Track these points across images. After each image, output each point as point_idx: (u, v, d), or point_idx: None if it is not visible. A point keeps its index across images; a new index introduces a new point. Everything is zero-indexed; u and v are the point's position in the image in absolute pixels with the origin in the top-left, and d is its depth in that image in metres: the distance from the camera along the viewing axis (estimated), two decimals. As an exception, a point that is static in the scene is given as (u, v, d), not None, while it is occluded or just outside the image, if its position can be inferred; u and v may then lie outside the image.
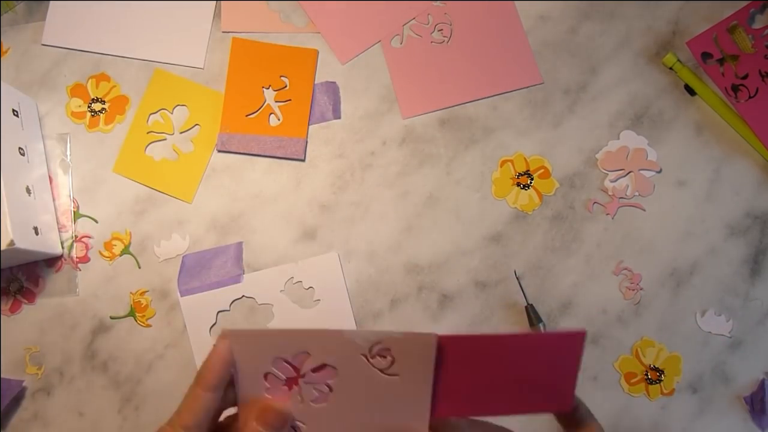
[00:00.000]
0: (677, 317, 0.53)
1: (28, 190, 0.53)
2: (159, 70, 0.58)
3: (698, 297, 0.53)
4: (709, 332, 0.53)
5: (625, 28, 0.57)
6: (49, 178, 0.57)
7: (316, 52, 0.58)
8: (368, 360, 0.43)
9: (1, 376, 0.54)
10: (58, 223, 0.56)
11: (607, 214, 0.55)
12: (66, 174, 0.57)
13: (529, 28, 0.58)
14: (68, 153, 0.57)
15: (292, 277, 0.54)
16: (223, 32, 0.59)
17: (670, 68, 0.56)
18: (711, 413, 0.51)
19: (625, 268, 0.54)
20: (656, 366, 0.52)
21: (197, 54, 0.59)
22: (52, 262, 0.56)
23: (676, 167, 0.55)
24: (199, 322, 0.53)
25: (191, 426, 0.36)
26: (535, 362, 0.40)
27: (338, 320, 0.52)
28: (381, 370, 0.43)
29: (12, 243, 0.48)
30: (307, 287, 0.54)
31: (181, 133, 0.57)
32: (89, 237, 0.56)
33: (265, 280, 0.54)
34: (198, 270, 0.54)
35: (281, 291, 0.54)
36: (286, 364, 0.43)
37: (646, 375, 0.52)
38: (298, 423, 0.43)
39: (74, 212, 0.57)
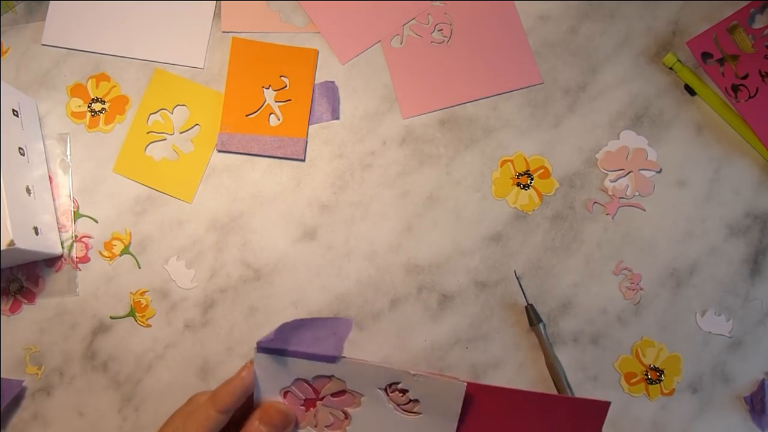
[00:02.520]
0: (677, 317, 0.53)
1: (28, 190, 0.53)
2: (159, 70, 0.58)
3: (698, 297, 0.53)
4: (709, 332, 0.53)
5: (625, 28, 0.57)
6: (49, 178, 0.57)
7: (316, 52, 0.58)
8: (387, 395, 0.43)
9: (1, 376, 0.54)
10: (58, 223, 0.56)
11: (607, 214, 0.55)
12: (66, 174, 0.57)
13: (529, 28, 0.58)
14: (68, 153, 0.57)
15: (399, 383, 0.44)
16: (223, 32, 0.59)
17: (670, 68, 0.56)
18: (711, 413, 0.51)
19: (625, 268, 0.54)
20: (656, 366, 0.52)
21: (197, 54, 0.59)
22: (52, 262, 0.56)
23: (676, 167, 0.55)
24: (271, 383, 0.44)
25: None
26: (558, 423, 0.41)
27: None
28: (400, 406, 0.43)
29: (12, 243, 0.48)
30: (412, 398, 0.44)
31: (181, 133, 0.57)
32: (89, 237, 0.56)
33: (366, 373, 0.44)
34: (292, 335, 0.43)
35: (379, 389, 0.44)
36: (306, 385, 0.43)
37: (646, 375, 0.52)
38: None
39: (74, 212, 0.57)
